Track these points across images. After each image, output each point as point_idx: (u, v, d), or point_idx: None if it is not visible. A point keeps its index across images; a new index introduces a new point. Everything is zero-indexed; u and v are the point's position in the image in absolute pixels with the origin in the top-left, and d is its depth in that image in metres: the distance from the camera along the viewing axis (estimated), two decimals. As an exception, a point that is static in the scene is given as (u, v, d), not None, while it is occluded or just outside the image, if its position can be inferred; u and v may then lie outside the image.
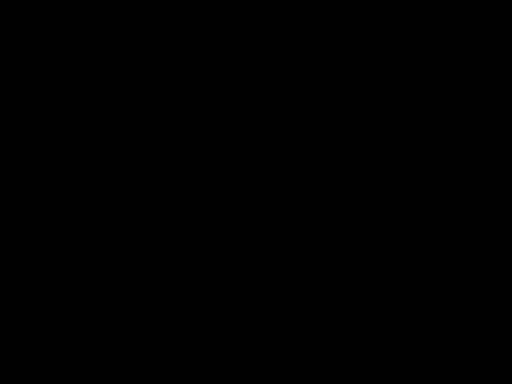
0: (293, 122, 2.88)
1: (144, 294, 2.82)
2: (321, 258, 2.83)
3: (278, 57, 2.88)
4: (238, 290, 2.82)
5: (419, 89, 2.88)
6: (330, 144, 2.87)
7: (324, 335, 2.79)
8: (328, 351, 2.78)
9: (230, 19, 2.89)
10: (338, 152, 2.87)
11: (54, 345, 2.79)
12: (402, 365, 2.77)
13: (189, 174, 2.87)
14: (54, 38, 2.91)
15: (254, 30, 2.88)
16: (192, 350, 2.79)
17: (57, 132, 2.89)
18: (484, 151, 2.87)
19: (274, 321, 2.81)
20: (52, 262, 2.83)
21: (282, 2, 2.90)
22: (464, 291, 2.80)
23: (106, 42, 2.90)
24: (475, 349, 2.77)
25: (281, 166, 2.87)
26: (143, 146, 2.88)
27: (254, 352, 2.79)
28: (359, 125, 2.87)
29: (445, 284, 2.81)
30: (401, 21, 2.90)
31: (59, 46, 2.91)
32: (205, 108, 2.89)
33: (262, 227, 2.85)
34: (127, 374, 2.77)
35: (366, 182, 2.86)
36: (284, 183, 2.86)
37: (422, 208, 2.85)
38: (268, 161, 2.87)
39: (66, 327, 2.80)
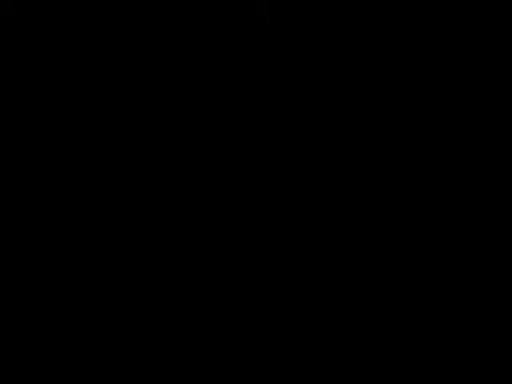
0: (293, 122, 2.88)
1: (144, 293, 2.83)
2: (321, 257, 2.84)
3: (278, 57, 2.88)
4: (238, 290, 2.83)
5: (418, 88, 2.89)
6: (330, 143, 2.88)
7: (324, 335, 2.80)
8: (328, 351, 2.79)
9: (230, 19, 2.89)
10: (338, 151, 2.88)
11: (53, 344, 2.80)
12: (402, 364, 2.78)
13: (188, 173, 2.87)
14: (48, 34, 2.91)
15: (254, 30, 2.89)
16: (192, 350, 2.80)
17: (57, 131, 2.89)
18: (484, 151, 2.88)
19: (274, 321, 2.81)
20: (52, 261, 2.84)
21: (282, 1, 2.90)
22: (464, 291, 2.82)
23: (106, 40, 2.90)
24: (475, 348, 2.78)
25: (281, 165, 2.87)
26: (143, 145, 2.89)
27: (254, 352, 2.80)
28: (358, 124, 2.88)
29: (445, 284, 2.82)
30: (399, 20, 2.90)
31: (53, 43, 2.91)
32: (205, 108, 2.90)
33: (262, 227, 2.85)
34: (127, 374, 2.78)
35: (365, 182, 2.87)
36: (283, 183, 2.87)
37: (421, 207, 2.86)
38: (268, 160, 2.88)
39: (66, 327, 2.81)
